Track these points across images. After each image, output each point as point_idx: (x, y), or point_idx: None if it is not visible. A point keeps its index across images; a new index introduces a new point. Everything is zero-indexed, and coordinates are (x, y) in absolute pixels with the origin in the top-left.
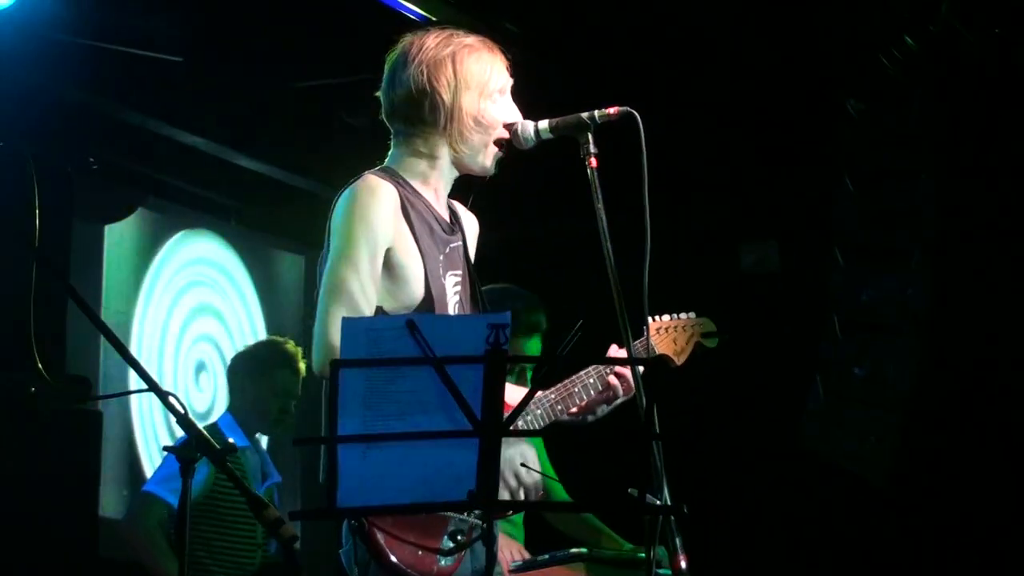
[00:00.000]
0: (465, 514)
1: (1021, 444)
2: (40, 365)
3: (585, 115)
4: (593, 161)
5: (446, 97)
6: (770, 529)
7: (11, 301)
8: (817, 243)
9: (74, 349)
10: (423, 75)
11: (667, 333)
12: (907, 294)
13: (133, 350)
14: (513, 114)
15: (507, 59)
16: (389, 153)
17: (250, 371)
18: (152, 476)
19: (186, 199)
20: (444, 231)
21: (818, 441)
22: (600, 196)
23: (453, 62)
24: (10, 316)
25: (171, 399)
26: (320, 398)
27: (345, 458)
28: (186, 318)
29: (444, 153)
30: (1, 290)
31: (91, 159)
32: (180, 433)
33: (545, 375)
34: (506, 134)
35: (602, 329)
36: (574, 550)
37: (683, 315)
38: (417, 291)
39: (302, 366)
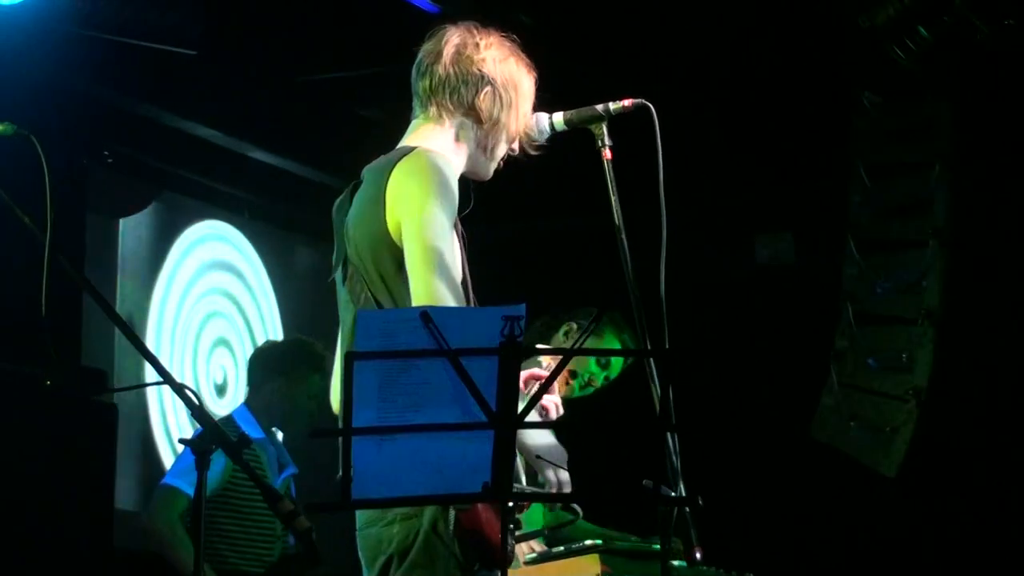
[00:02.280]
0: None
1: None
2: (55, 358)
3: (600, 107)
4: (608, 153)
5: (511, 95)
6: (784, 521)
7: (26, 294)
8: (832, 236)
9: (89, 342)
10: (495, 65)
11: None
12: (921, 286)
13: (148, 343)
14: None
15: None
16: (413, 134)
17: (283, 370)
18: (171, 469)
19: (200, 192)
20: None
21: (833, 433)
22: (615, 189)
23: (520, 70)
24: (25, 309)
25: (186, 391)
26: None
27: (360, 450)
28: (201, 311)
29: (468, 147)
30: (16, 283)
31: (105, 153)
32: (197, 426)
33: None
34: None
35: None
36: (589, 542)
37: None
38: (460, 271)
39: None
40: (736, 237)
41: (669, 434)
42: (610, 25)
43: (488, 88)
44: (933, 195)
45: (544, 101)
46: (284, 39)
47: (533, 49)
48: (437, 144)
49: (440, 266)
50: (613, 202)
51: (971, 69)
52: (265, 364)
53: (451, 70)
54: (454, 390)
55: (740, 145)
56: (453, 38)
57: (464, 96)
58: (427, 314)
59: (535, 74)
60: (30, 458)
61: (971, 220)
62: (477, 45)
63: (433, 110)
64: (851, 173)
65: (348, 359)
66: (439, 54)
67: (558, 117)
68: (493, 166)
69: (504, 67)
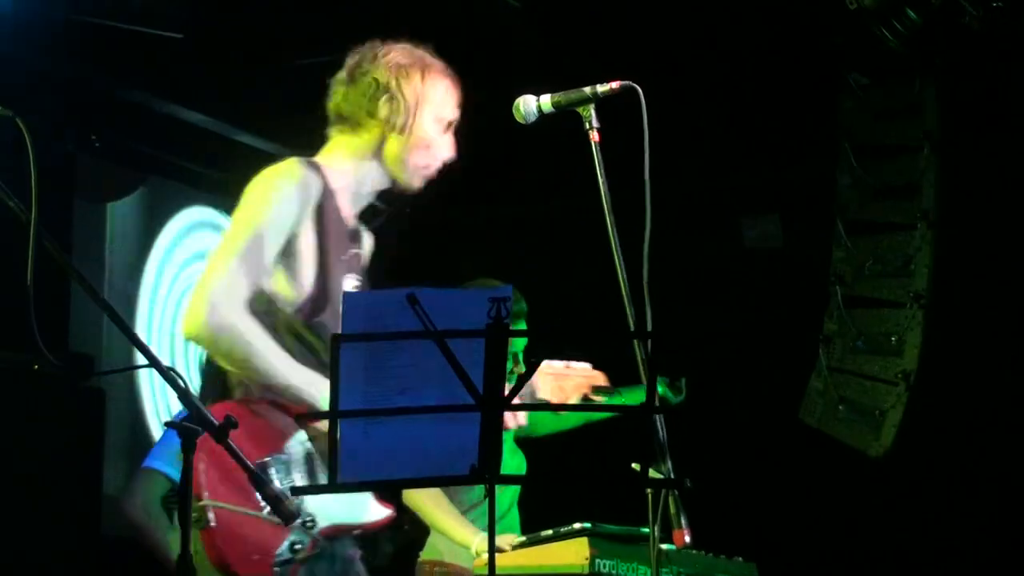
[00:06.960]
0: (309, 528)
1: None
2: (42, 344)
3: (587, 89)
4: (596, 135)
5: (410, 100)
6: (773, 504)
7: (13, 279)
8: (820, 217)
9: (77, 327)
10: (391, 73)
11: (554, 379)
12: (910, 268)
13: (138, 328)
14: (449, 151)
15: (459, 94)
16: (324, 148)
17: None
18: (152, 452)
19: (188, 177)
20: (347, 236)
21: (821, 416)
22: (603, 171)
23: (421, 73)
24: (12, 294)
25: (172, 374)
26: None
27: (347, 433)
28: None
29: (380, 156)
30: (2, 268)
31: (93, 137)
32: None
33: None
34: (437, 167)
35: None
36: (577, 525)
37: (579, 365)
38: (306, 285)
39: None
40: (723, 219)
41: (657, 417)
42: (598, 7)
43: (384, 96)
44: (921, 177)
45: (532, 83)
46: (272, 22)
47: (522, 32)
48: (332, 159)
49: (221, 257)
50: (601, 184)
51: (958, 50)
52: None
53: (349, 86)
54: (441, 372)
55: (727, 127)
56: (353, 57)
57: (364, 107)
58: (413, 296)
59: (454, 82)
60: (17, 443)
61: (959, 202)
62: (375, 56)
63: (340, 126)
64: (839, 155)
65: (335, 341)
66: (343, 73)
67: (546, 99)
68: (415, 177)
69: (403, 73)
